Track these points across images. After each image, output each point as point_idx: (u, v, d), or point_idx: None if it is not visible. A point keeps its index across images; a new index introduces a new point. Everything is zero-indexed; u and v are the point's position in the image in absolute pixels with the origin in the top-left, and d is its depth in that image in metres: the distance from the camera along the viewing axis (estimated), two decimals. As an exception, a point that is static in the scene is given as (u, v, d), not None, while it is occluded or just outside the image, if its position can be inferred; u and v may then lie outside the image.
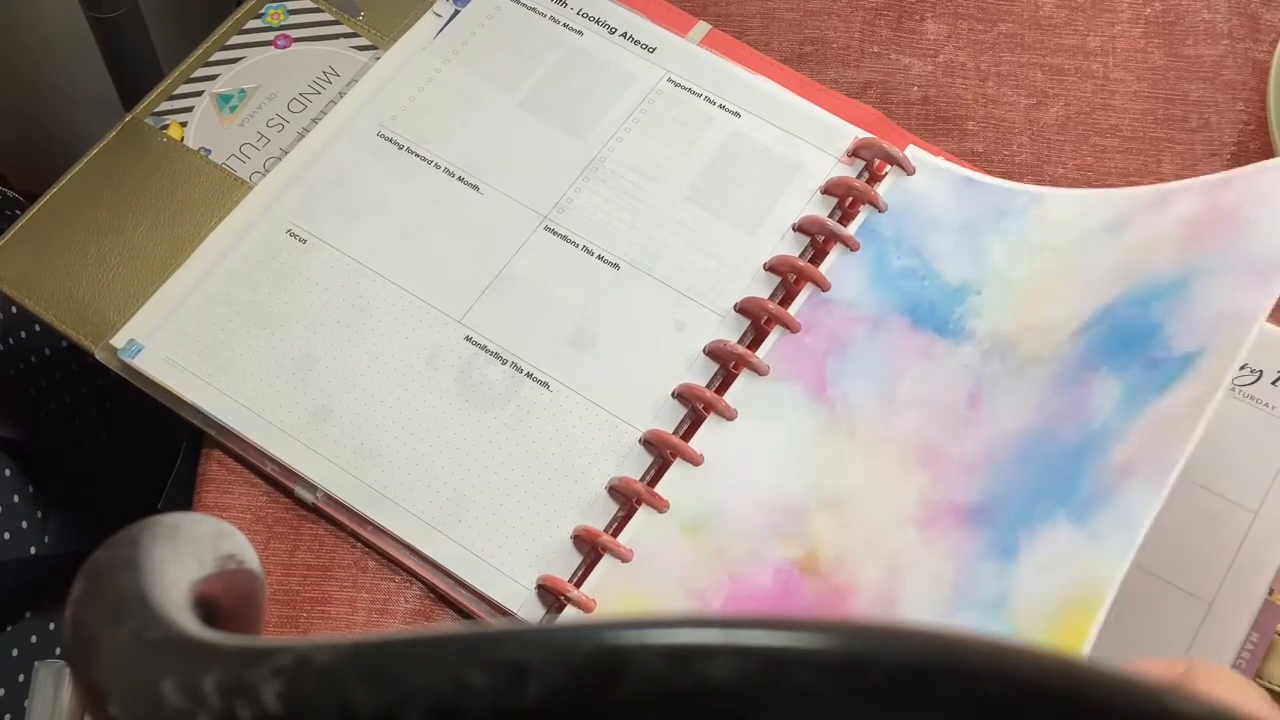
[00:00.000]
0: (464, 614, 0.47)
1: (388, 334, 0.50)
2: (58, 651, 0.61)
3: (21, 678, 0.59)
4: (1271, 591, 0.45)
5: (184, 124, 0.56)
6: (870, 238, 0.51)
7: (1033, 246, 0.49)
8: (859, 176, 0.53)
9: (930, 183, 0.52)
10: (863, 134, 0.53)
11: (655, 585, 0.45)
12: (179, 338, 0.51)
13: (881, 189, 0.52)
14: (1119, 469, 0.39)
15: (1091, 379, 0.43)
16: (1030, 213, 0.50)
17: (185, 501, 0.51)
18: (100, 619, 0.22)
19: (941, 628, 0.18)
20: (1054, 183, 0.56)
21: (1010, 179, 0.53)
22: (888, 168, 0.52)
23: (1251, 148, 0.57)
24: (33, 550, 0.61)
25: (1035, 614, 0.39)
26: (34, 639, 0.60)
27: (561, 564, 0.46)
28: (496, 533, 0.47)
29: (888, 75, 0.58)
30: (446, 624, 0.48)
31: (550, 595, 0.46)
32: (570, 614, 0.45)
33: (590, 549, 0.47)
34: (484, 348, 0.50)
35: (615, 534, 0.47)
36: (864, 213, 0.51)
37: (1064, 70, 0.59)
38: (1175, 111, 0.58)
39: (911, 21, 0.60)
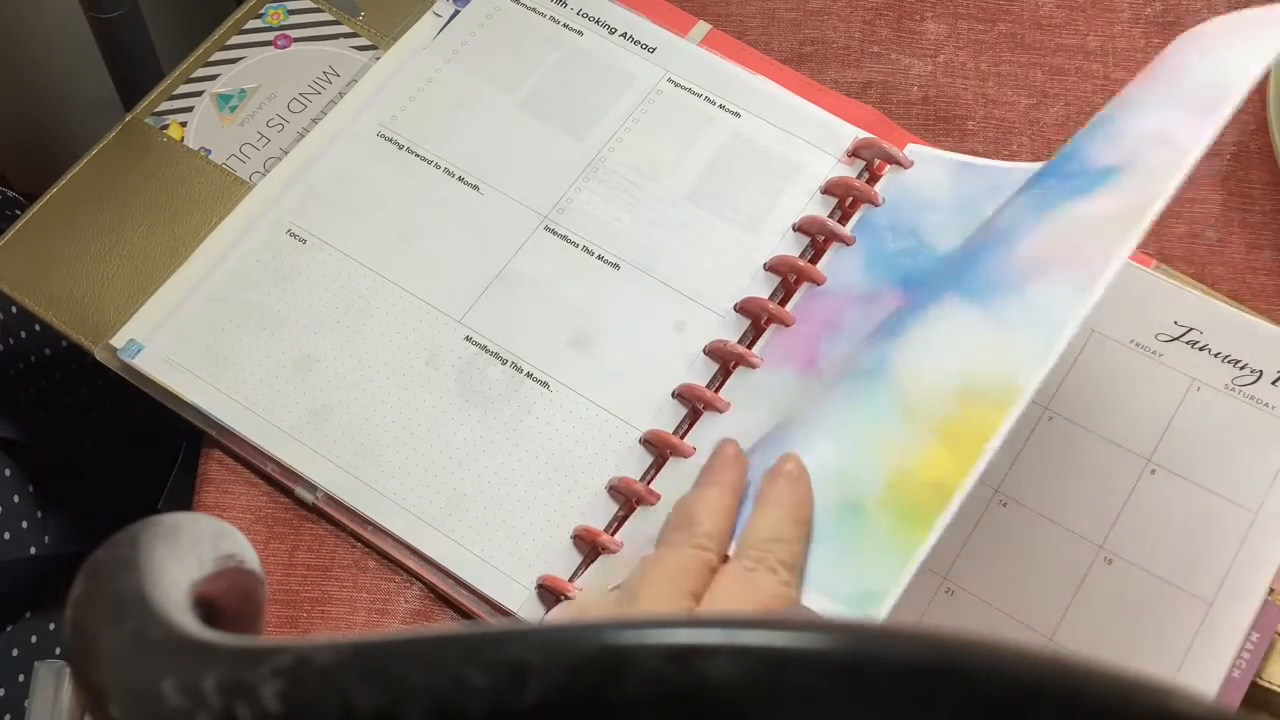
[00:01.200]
0: (464, 614, 0.47)
1: (388, 334, 0.51)
2: (58, 651, 0.61)
3: (21, 678, 0.59)
4: (1272, 591, 0.45)
5: (184, 124, 0.56)
6: (866, 231, 0.51)
7: None
8: (859, 176, 0.53)
9: (927, 173, 0.52)
10: (863, 134, 0.53)
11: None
12: (179, 338, 0.51)
13: (879, 186, 0.52)
14: (1027, 262, 0.36)
15: (1004, 211, 0.40)
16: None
17: (185, 501, 0.51)
18: (100, 619, 0.22)
19: (941, 629, 0.18)
20: (1054, 183, 0.56)
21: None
22: (887, 166, 0.52)
23: (1251, 148, 0.57)
24: (33, 550, 0.61)
25: (931, 393, 0.36)
26: (34, 639, 0.60)
27: (562, 563, 0.46)
28: (496, 532, 0.47)
29: (888, 75, 0.58)
30: (446, 624, 0.48)
31: (550, 595, 0.46)
32: (559, 608, 0.45)
33: (590, 548, 0.47)
34: (484, 348, 0.50)
35: (614, 533, 0.47)
36: (861, 210, 0.51)
37: (1064, 70, 0.59)
38: (1175, 111, 0.58)
39: (911, 21, 0.60)
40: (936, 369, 0.37)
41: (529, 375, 0.49)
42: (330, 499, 0.48)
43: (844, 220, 0.51)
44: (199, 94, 0.56)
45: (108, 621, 0.22)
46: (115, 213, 0.54)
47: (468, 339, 0.50)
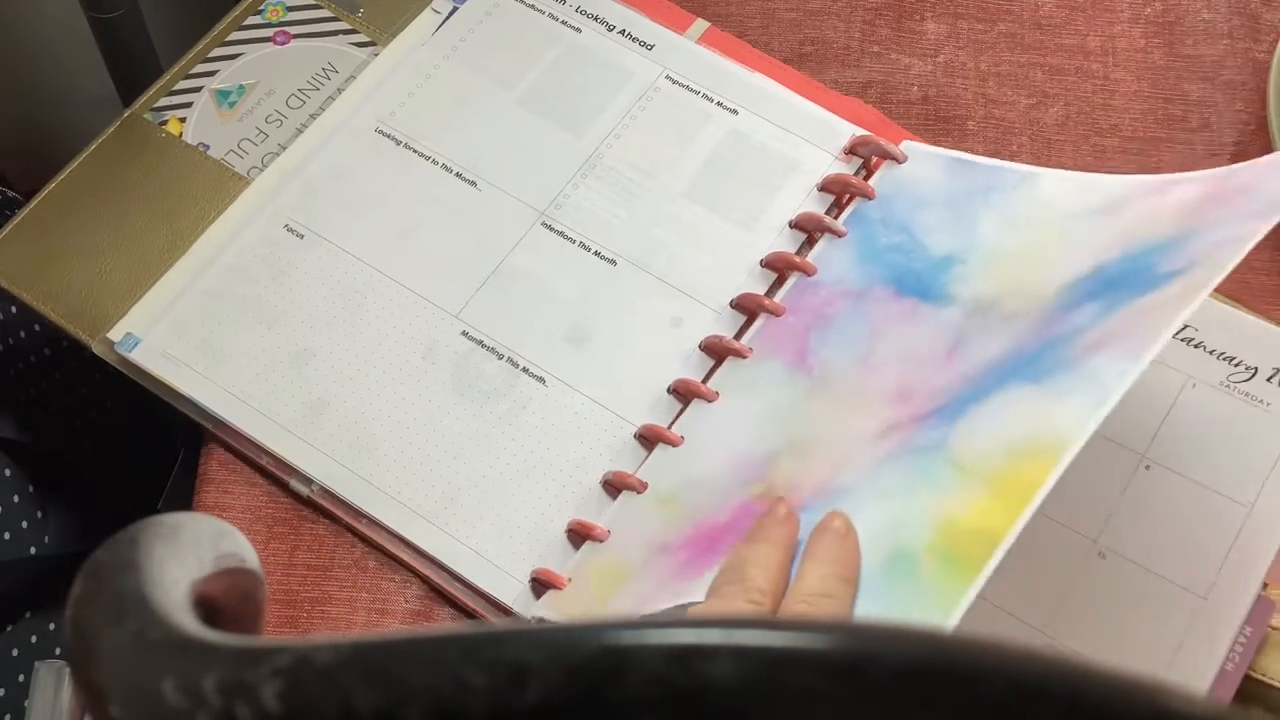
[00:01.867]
0: (463, 610, 0.47)
1: (384, 329, 0.51)
2: (58, 651, 0.61)
3: (21, 678, 0.59)
4: (1265, 586, 0.45)
5: (183, 119, 0.56)
6: (858, 224, 0.51)
7: (1022, 220, 0.49)
8: (856, 173, 0.53)
9: (921, 168, 0.52)
10: (860, 131, 0.54)
11: (626, 552, 0.46)
12: (176, 331, 0.51)
13: (873, 180, 0.52)
14: (1085, 347, 0.39)
15: (1073, 313, 0.42)
16: (1021, 189, 0.50)
17: (185, 501, 0.51)
18: (100, 619, 0.22)
19: (941, 629, 0.18)
20: (1054, 182, 0.56)
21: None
22: (884, 162, 0.53)
23: (1252, 148, 0.57)
24: (33, 550, 0.61)
25: (980, 453, 0.38)
26: (34, 639, 0.60)
27: (555, 557, 0.47)
28: (491, 526, 0.47)
29: (888, 75, 0.58)
30: (446, 624, 0.48)
31: (544, 589, 0.46)
32: (550, 596, 0.46)
33: (584, 542, 0.47)
34: (480, 343, 0.50)
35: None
36: (855, 203, 0.52)
37: (1064, 70, 0.59)
38: (1175, 111, 0.58)
39: (911, 21, 0.60)
40: (990, 434, 0.38)
41: (525, 370, 0.50)
42: (325, 492, 0.48)
43: (838, 215, 0.52)
44: (198, 90, 0.56)
45: (108, 621, 0.22)
46: (113, 208, 0.54)
47: (464, 334, 0.50)
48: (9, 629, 0.60)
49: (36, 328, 0.66)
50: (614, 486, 0.47)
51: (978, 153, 0.56)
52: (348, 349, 0.50)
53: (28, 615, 0.61)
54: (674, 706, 0.18)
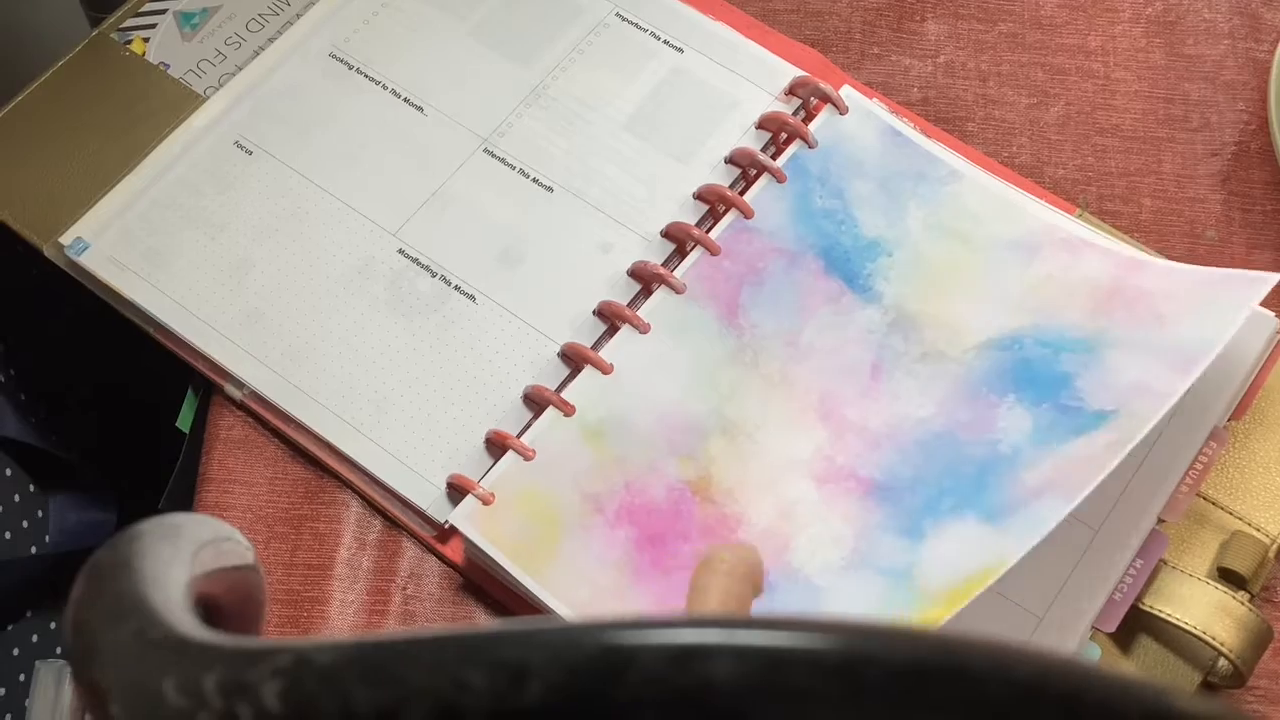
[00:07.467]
0: (394, 523, 0.49)
1: (323, 243, 0.52)
2: (58, 651, 0.61)
3: (22, 677, 0.59)
4: (1161, 522, 0.45)
5: (146, 39, 0.57)
6: (798, 172, 0.52)
7: (946, 228, 0.51)
8: (795, 114, 0.54)
9: (860, 126, 0.53)
10: (800, 73, 0.55)
11: (554, 484, 0.46)
12: (124, 238, 0.52)
13: (813, 126, 0.53)
14: (1032, 490, 0.43)
15: (999, 402, 0.46)
16: (947, 188, 0.51)
17: (185, 501, 0.51)
18: (101, 619, 0.22)
19: (941, 630, 0.18)
20: (1055, 184, 0.56)
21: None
22: (825, 107, 0.53)
23: (1252, 148, 0.57)
24: (34, 549, 0.61)
25: (939, 581, 0.43)
26: (35, 638, 0.60)
27: (473, 465, 0.48)
28: (413, 434, 0.48)
29: (888, 76, 0.58)
30: (446, 624, 0.48)
31: (458, 494, 0.47)
32: (470, 505, 0.46)
33: (501, 451, 0.48)
34: (415, 260, 0.52)
35: (520, 436, 0.48)
36: (794, 147, 0.53)
37: (1065, 70, 0.59)
38: (1176, 111, 0.58)
39: (912, 22, 0.60)
40: (949, 565, 0.43)
41: (457, 288, 0.51)
42: (256, 396, 0.50)
43: (775, 155, 0.53)
44: (163, 11, 0.58)
45: (108, 622, 0.22)
46: (74, 122, 0.55)
47: (400, 251, 0.52)
48: (9, 628, 0.60)
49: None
50: (535, 401, 0.49)
51: (979, 154, 0.56)
52: (287, 261, 0.52)
53: (28, 615, 0.61)
54: (674, 706, 0.18)
